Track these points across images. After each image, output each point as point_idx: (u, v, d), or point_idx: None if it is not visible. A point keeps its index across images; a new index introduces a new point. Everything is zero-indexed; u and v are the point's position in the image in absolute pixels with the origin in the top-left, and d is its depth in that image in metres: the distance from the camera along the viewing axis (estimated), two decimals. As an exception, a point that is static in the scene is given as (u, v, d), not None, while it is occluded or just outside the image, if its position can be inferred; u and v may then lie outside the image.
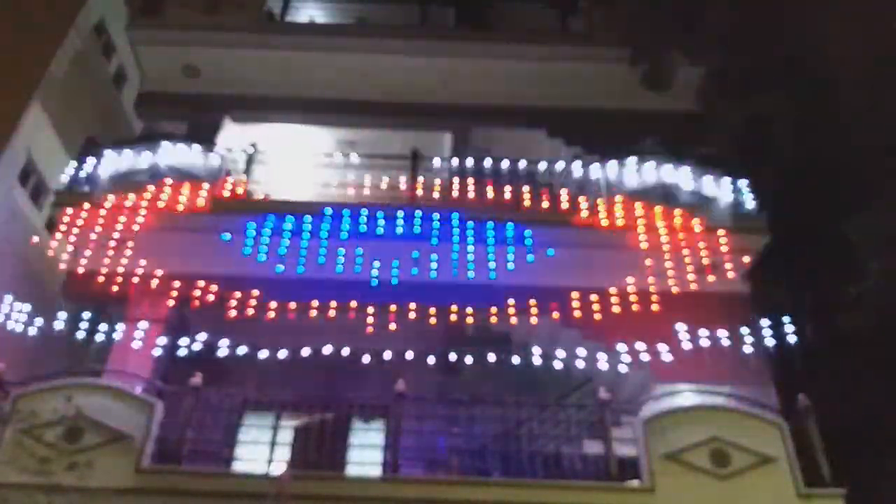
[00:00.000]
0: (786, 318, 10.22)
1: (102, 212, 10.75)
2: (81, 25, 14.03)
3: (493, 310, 10.56)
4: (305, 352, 10.17)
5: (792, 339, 10.00)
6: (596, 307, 10.52)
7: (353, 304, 10.40)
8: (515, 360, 10.22)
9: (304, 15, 15.35)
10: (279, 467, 8.61)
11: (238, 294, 10.39)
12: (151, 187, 10.96)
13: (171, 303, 10.67)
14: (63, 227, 10.78)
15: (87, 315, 10.26)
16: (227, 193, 11.16)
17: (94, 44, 14.65)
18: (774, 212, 11.17)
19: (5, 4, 13.17)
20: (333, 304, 10.41)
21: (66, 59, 13.58)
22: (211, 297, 10.46)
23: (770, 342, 10.13)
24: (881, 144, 12.02)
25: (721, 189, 11.50)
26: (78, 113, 13.87)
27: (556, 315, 10.55)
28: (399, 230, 10.81)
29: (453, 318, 10.59)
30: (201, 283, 10.48)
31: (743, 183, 11.50)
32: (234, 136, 13.23)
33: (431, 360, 10.25)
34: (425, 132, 13.68)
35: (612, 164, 11.73)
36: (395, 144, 13.03)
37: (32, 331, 10.08)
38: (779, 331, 10.12)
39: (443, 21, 15.35)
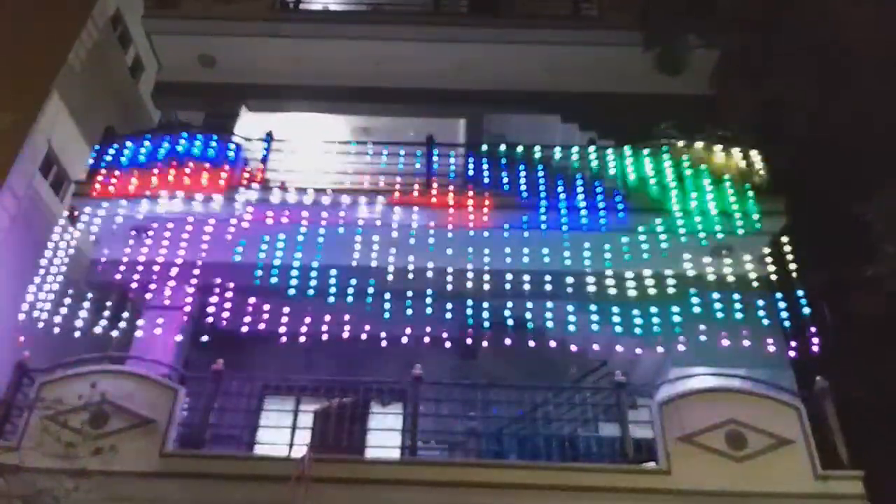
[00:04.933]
0: (802, 301, 10.24)
1: (123, 201, 10.88)
2: (98, 17, 14.12)
3: (510, 294, 10.60)
4: (324, 337, 10.30)
5: (809, 321, 10.01)
6: (612, 290, 10.54)
7: (371, 289, 10.47)
8: (532, 343, 10.29)
9: (318, 3, 15.37)
10: (300, 451, 8.73)
11: (257, 280, 10.50)
12: (171, 176, 11.07)
13: (192, 290, 10.82)
14: (85, 217, 10.94)
15: (109, 303, 10.43)
16: (245, 182, 11.25)
17: (110, 35, 14.75)
18: (790, 194, 11.14)
19: (22, -2, 13.33)
20: (351, 290, 10.50)
21: (83, 51, 13.68)
22: (231, 284, 10.58)
23: (787, 324, 10.16)
24: (896, 125, 11.93)
25: (737, 171, 11.45)
26: (96, 103, 13.99)
27: (572, 299, 10.58)
28: (414, 216, 10.87)
29: (470, 302, 10.66)
30: (221, 270, 10.59)
31: (759, 165, 11.47)
32: (250, 125, 13.34)
33: (448, 344, 10.33)
34: (439, 119, 13.70)
35: (627, 148, 11.71)
36: (410, 131, 13.10)
37: (56, 319, 10.26)
38: (796, 313, 10.13)
39: (456, 7, 15.30)
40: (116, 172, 11.19)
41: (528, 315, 10.89)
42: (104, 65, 14.41)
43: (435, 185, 11.26)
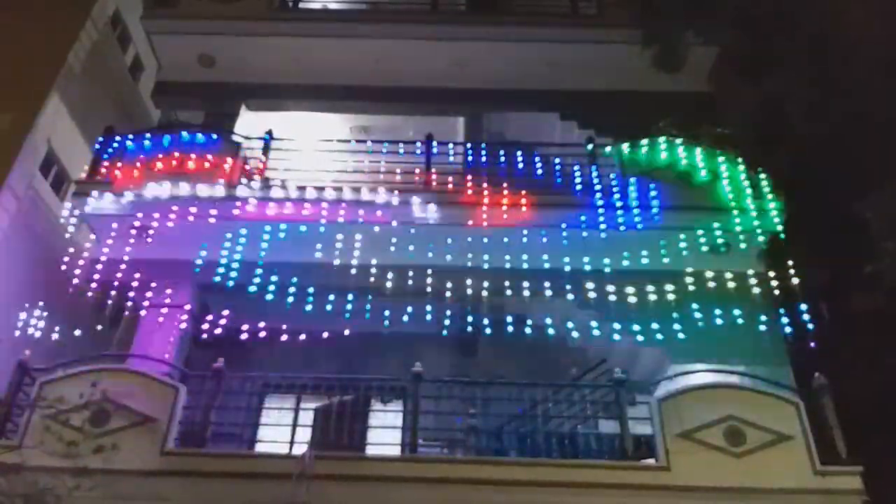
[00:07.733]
0: (801, 298, 10.27)
1: (123, 200, 10.91)
2: (97, 16, 14.16)
3: (509, 292, 10.64)
4: (325, 335, 10.33)
5: (807, 318, 10.03)
6: (611, 287, 10.58)
7: (371, 287, 10.51)
8: (531, 341, 10.32)
9: (317, 2, 15.40)
10: (301, 448, 8.76)
11: (258, 279, 10.54)
12: (171, 176, 11.10)
13: (193, 288, 10.85)
14: (84, 216, 10.96)
15: (110, 302, 10.45)
16: (245, 180, 11.28)
17: (110, 35, 14.78)
18: (789, 192, 11.17)
19: (22, -2, 13.37)
20: (351, 288, 10.55)
21: (83, 51, 13.72)
22: (231, 282, 10.62)
23: (785, 321, 10.19)
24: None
25: (735, 169, 11.49)
26: (96, 103, 14.02)
27: (571, 296, 10.62)
28: (415, 214, 10.90)
29: (470, 300, 10.69)
30: (222, 269, 10.63)
31: (757, 162, 11.51)
32: (250, 124, 13.36)
33: (448, 342, 10.36)
34: (438, 117, 13.75)
35: (626, 146, 11.74)
36: (409, 129, 13.13)
37: (57, 318, 10.29)
38: (794, 310, 10.16)
39: (455, 6, 15.35)
40: (116, 172, 11.23)
41: (528, 313, 10.91)
42: (104, 65, 14.44)
43: (434, 183, 11.28)
